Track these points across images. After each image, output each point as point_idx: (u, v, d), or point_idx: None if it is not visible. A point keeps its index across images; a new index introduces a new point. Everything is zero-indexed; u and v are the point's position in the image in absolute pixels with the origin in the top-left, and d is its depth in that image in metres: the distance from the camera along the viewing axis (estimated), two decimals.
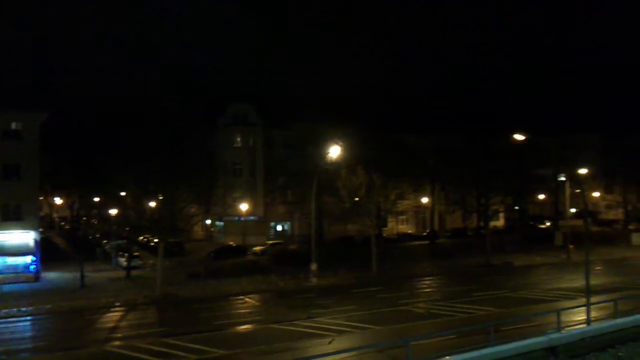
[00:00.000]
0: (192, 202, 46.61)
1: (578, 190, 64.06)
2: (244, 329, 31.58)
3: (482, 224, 68.15)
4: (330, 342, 26.21)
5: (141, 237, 67.70)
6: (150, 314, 37.17)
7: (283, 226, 76.96)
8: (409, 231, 79.56)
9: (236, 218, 70.63)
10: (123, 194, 54.15)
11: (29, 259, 48.81)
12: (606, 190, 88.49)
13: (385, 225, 74.06)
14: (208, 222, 76.72)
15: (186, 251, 64.65)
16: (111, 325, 33.79)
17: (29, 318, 35.63)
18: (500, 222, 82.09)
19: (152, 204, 47.57)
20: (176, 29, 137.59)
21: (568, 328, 20.59)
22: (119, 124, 55.28)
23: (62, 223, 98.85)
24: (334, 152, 48.02)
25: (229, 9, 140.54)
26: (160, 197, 44.93)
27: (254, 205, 72.45)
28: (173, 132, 42.75)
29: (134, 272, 51.20)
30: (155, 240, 54.92)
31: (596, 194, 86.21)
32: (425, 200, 78.46)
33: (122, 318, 35.68)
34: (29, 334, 32.93)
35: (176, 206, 43.79)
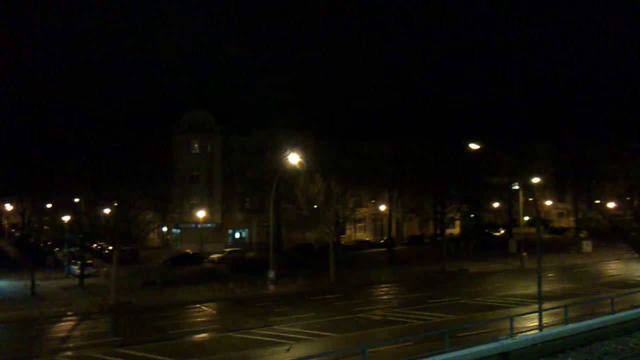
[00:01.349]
0: (148, 208, 45.94)
1: (531, 199, 65.56)
2: (200, 337, 31.20)
3: (438, 231, 69.05)
4: (287, 350, 26.13)
5: (95, 245, 66.32)
6: (104, 323, 36.38)
7: (241, 233, 76.52)
8: (367, 238, 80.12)
9: (193, 225, 69.91)
10: (76, 200, 53.13)
11: None
12: (558, 198, 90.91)
13: (344, 233, 74.36)
14: (164, 229, 75.70)
15: (142, 259, 63.56)
16: (63, 335, 32.94)
17: None
18: (456, 230, 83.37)
19: (107, 210, 46.75)
20: (132, 32, 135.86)
21: (520, 334, 20.99)
22: (72, 129, 54.25)
23: (13, 230, 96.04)
24: (293, 159, 48.05)
25: (185, 16, 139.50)
26: (115, 204, 44.16)
27: (211, 213, 71.86)
28: (128, 137, 42.16)
29: (87, 281, 50.06)
30: (110, 247, 53.89)
31: (548, 203, 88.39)
32: (383, 207, 79.18)
33: (74, 327, 34.82)
34: None
35: (131, 213, 43.07)
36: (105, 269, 54.86)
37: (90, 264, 54.81)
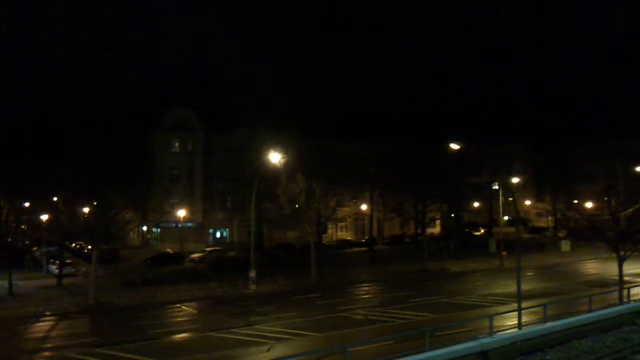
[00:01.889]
0: (127, 207, 45.57)
1: (510, 199, 66.14)
2: (180, 337, 31.04)
3: (419, 230, 69.38)
4: (268, 350, 26.10)
5: (74, 244, 65.66)
6: (83, 323, 36.04)
7: (222, 233, 76.24)
8: (348, 238, 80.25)
9: (173, 224, 69.52)
10: (55, 199, 52.59)
11: None
12: (537, 198, 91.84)
13: (325, 232, 74.44)
14: (144, 228, 75.18)
15: (121, 258, 63.08)
16: (41, 335, 32.58)
17: None
18: (436, 229, 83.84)
19: (86, 209, 46.28)
20: (115, 30, 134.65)
21: (500, 333, 21.15)
22: (51, 126, 53.68)
23: None
24: (275, 158, 47.94)
25: (167, 13, 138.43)
26: (94, 203, 43.76)
27: (192, 212, 71.49)
28: (107, 135, 41.79)
29: (66, 280, 49.59)
30: (89, 247, 53.37)
31: (528, 202, 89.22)
32: (364, 207, 79.40)
33: (52, 327, 34.46)
34: None
35: (110, 212, 42.69)
36: (84, 269, 54.33)
37: (69, 264, 54.27)
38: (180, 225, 68.62)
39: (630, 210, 40.77)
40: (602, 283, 43.77)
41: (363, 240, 77.28)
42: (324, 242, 71.18)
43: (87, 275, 48.76)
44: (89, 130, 42.47)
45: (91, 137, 41.64)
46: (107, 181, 41.45)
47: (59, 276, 49.79)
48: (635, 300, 28.29)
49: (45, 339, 31.60)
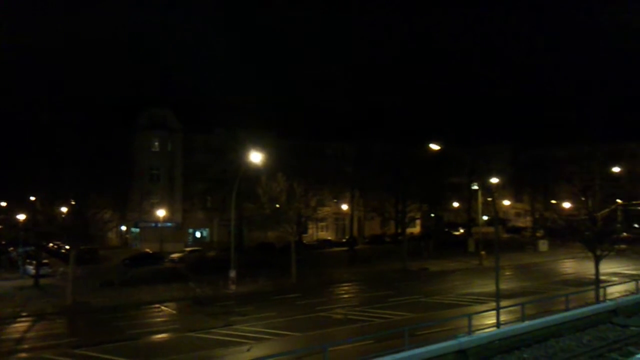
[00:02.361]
0: (106, 207, 45.17)
1: (490, 199, 66.74)
2: (159, 338, 30.83)
3: (399, 230, 69.70)
4: (248, 350, 26.04)
5: (52, 244, 64.92)
6: (60, 324, 35.67)
7: (202, 233, 75.94)
8: (329, 237, 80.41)
9: (153, 224, 69.05)
10: (32, 198, 51.98)
11: None
12: (516, 198, 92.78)
13: (306, 232, 74.50)
14: (123, 228, 74.59)
15: (100, 258, 62.49)
16: (17, 336, 32.14)
17: None
18: (416, 229, 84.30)
19: (64, 209, 45.78)
20: (94, 26, 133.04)
21: (478, 332, 21.34)
22: (28, 125, 53.03)
23: None
24: (255, 158, 47.79)
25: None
26: (72, 202, 43.29)
27: (171, 212, 71.10)
28: (86, 135, 41.40)
29: (43, 281, 48.96)
30: (67, 247, 52.80)
31: (506, 202, 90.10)
32: (345, 207, 79.60)
33: (29, 329, 34.01)
34: None
35: (89, 211, 42.27)
36: (62, 269, 53.73)
37: (46, 264, 53.64)
38: (159, 225, 68.19)
39: (606, 210, 41.39)
40: (579, 282, 44.31)
41: (343, 240, 77.49)
42: (304, 242, 71.24)
43: (64, 275, 48.22)
44: (67, 129, 42.03)
45: (70, 136, 41.22)
46: (86, 180, 41.03)
47: (36, 277, 49.18)
48: (611, 299, 28.72)
49: (21, 340, 31.19)
